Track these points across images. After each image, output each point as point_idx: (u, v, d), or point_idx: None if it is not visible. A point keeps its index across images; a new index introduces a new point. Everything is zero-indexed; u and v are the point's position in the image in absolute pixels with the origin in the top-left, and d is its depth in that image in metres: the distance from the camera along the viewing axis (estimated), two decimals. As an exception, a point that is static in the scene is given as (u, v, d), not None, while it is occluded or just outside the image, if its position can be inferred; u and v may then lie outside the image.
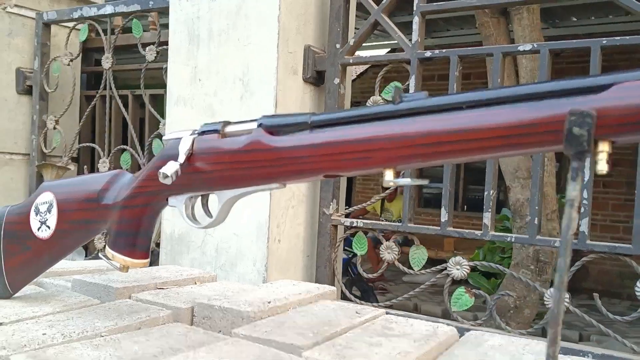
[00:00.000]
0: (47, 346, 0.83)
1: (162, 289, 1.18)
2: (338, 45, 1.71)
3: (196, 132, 0.80)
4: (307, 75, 1.74)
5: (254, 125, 0.74)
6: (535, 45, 1.44)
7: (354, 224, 1.67)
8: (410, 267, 1.61)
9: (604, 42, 1.36)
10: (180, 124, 1.82)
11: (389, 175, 0.63)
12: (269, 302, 1.04)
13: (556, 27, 5.93)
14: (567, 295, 1.40)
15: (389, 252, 1.63)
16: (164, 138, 0.87)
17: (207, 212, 0.85)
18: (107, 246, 0.90)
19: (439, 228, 1.54)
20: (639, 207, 1.31)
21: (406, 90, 1.61)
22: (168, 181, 0.78)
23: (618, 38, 1.35)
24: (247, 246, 1.66)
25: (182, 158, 0.79)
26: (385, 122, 0.61)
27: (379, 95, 1.69)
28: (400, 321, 1.04)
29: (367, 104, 1.71)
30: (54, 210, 0.96)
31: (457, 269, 1.53)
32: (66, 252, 0.98)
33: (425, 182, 0.64)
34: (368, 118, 0.64)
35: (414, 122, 0.59)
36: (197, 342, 0.88)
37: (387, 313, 1.11)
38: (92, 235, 0.95)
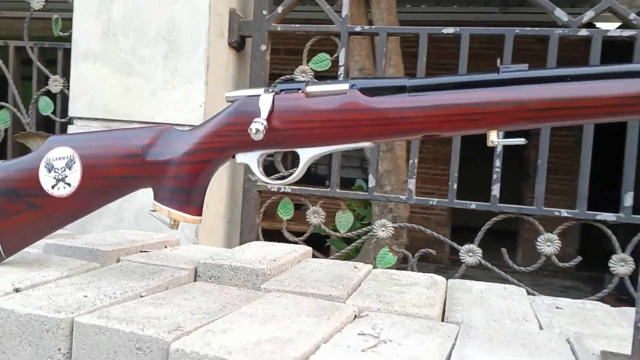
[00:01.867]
0: (102, 307, 0.79)
1: (146, 252, 1.14)
2: (265, 12, 1.73)
3: (271, 90, 0.81)
4: (232, 39, 1.73)
5: (345, 86, 0.78)
6: (458, 30, 1.61)
7: (281, 190, 1.72)
8: (336, 230, 1.71)
9: (517, 31, 1.57)
10: (91, 80, 1.70)
11: (493, 136, 0.72)
12: (274, 260, 1.08)
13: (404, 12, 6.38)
14: (480, 251, 1.62)
15: (315, 216, 1.72)
16: (228, 94, 0.85)
17: (282, 169, 0.86)
18: (158, 202, 0.86)
19: (367, 193, 1.66)
20: (542, 175, 1.56)
21: (335, 61, 1.69)
22: (259, 136, 0.78)
23: (528, 29, 1.57)
24: (173, 211, 1.62)
25: (264, 114, 0.79)
26: (496, 88, 0.70)
27: (307, 65, 1.75)
28: (393, 273, 1.14)
29: (295, 72, 1.76)
30: (77, 166, 0.88)
31: (383, 231, 1.67)
32: (89, 211, 0.91)
33: (524, 141, 0.74)
34: (470, 84, 0.72)
35: (523, 89, 0.69)
36: (244, 297, 0.90)
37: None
38: (127, 193, 0.90)
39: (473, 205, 1.61)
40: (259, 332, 0.72)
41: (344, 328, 0.78)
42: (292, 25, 1.74)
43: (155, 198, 0.87)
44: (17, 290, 0.84)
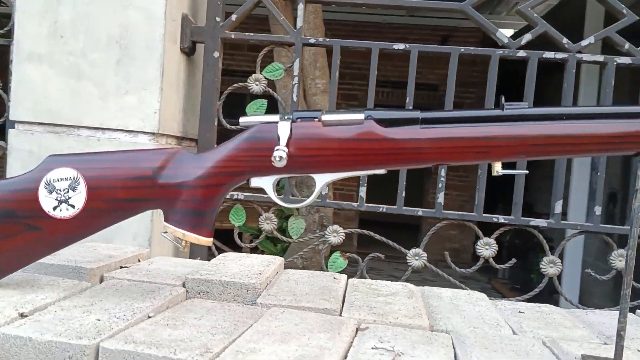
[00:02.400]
0: (120, 330, 0.79)
1: (126, 267, 1.13)
2: (218, 19, 1.73)
3: (287, 117, 0.84)
4: (184, 45, 1.73)
5: (361, 116, 0.83)
6: (408, 46, 1.70)
7: (234, 197, 1.73)
8: (289, 236, 1.76)
9: (462, 50, 1.69)
10: (35, 84, 1.64)
11: (498, 167, 0.80)
12: (260, 274, 1.11)
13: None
14: (425, 255, 1.73)
15: (267, 222, 1.75)
16: (242, 120, 0.87)
17: (295, 193, 0.89)
18: (171, 225, 0.87)
19: (320, 200, 1.71)
20: (482, 184, 1.68)
21: (289, 70, 1.74)
22: (282, 163, 0.81)
23: (472, 48, 1.69)
24: (126, 220, 1.60)
25: (284, 142, 0.82)
26: (500, 123, 0.78)
27: (260, 74, 1.77)
28: (371, 283, 1.21)
29: (249, 81, 1.78)
30: (81, 187, 0.87)
31: (334, 236, 1.73)
32: (91, 233, 0.90)
33: (525, 172, 0.83)
34: (477, 119, 0.80)
35: (525, 126, 0.78)
36: (248, 314, 0.93)
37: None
38: (133, 215, 0.90)
39: (420, 212, 1.71)
40: (284, 350, 0.76)
41: (354, 342, 0.84)
42: (246, 34, 1.76)
43: (167, 220, 0.88)
44: (22, 315, 0.82)
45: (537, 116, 0.78)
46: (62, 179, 0.88)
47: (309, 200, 0.89)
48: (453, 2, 1.70)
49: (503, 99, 0.79)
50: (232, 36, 1.74)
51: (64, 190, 0.87)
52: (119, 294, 0.95)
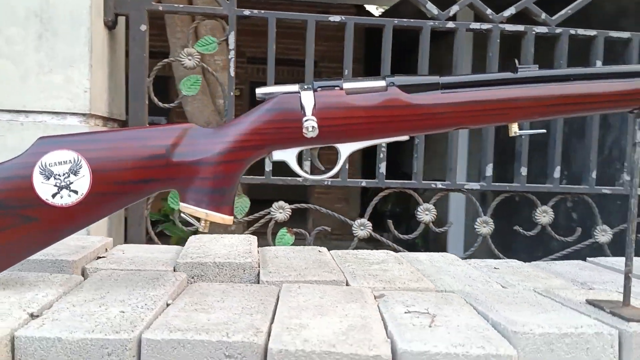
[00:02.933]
0: (154, 320, 0.74)
1: (103, 257, 1.05)
2: (144, -10, 1.63)
3: (307, 87, 0.82)
4: (107, 18, 1.61)
5: (383, 83, 0.82)
6: (344, 18, 1.71)
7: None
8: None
9: (396, 22, 1.72)
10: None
11: (515, 127, 0.83)
12: (250, 252, 1.08)
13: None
14: (370, 224, 1.77)
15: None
16: (259, 91, 0.82)
17: (318, 164, 0.86)
18: (191, 205, 0.80)
19: (264, 177, 1.69)
20: (420, 152, 1.74)
21: (224, 42, 1.68)
22: (314, 133, 0.78)
23: (405, 20, 1.74)
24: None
25: (309, 112, 0.79)
26: (516, 86, 0.81)
27: (193, 48, 1.70)
28: (355, 253, 1.21)
29: (181, 54, 1.69)
30: (84, 171, 0.78)
31: (280, 213, 1.72)
32: (96, 220, 0.81)
33: (543, 131, 0.87)
34: (493, 82, 0.82)
35: (539, 87, 0.82)
36: (267, 292, 0.90)
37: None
38: (143, 197, 0.82)
39: (363, 182, 1.75)
40: (330, 323, 0.76)
41: (382, 309, 0.84)
42: (175, 5, 1.67)
43: (184, 200, 0.82)
44: (32, 315, 0.74)
45: (548, 77, 0.83)
46: (60, 163, 0.79)
47: (333, 172, 0.87)
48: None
49: (517, 62, 0.83)
50: (160, 8, 1.64)
51: (64, 174, 0.79)
52: (121, 284, 0.88)
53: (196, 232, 3.42)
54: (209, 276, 1.00)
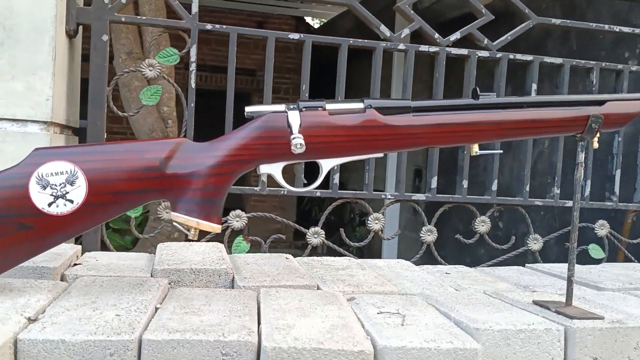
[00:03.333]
0: (148, 322, 0.79)
1: (79, 264, 1.08)
2: (107, 0, 1.66)
3: (293, 107, 0.88)
4: (69, 28, 1.63)
5: (361, 105, 0.90)
6: (302, 36, 1.79)
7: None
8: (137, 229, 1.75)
9: (351, 41, 1.82)
10: None
11: (476, 148, 0.93)
12: (223, 259, 1.13)
13: None
14: (323, 232, 1.85)
15: (167, 211, 1.73)
16: (249, 109, 0.88)
17: (302, 178, 0.93)
18: (183, 215, 0.85)
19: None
20: (371, 165, 1.84)
21: (187, 55, 1.73)
22: (302, 150, 0.85)
23: (360, 40, 1.84)
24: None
25: (296, 130, 0.86)
26: (477, 111, 0.91)
27: (154, 59, 1.73)
28: (320, 260, 1.29)
29: (142, 66, 1.72)
30: (81, 181, 0.82)
31: (237, 221, 1.78)
32: (89, 228, 0.85)
33: (500, 151, 0.97)
34: (457, 107, 0.92)
35: (497, 113, 0.92)
36: (247, 296, 0.96)
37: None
38: (138, 206, 0.87)
39: (318, 193, 1.83)
40: (314, 323, 0.83)
41: (355, 311, 0.92)
42: (138, 17, 1.70)
43: (176, 210, 0.87)
44: (30, 319, 0.77)
45: (505, 104, 0.94)
46: (56, 173, 0.82)
47: (315, 185, 0.95)
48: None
49: (478, 89, 0.93)
50: (122, 19, 1.67)
51: (60, 184, 0.82)
52: (108, 289, 0.92)
53: (135, 241, 3.38)
54: (186, 282, 1.05)
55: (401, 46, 1.83)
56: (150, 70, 1.72)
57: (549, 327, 0.88)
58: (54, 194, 0.82)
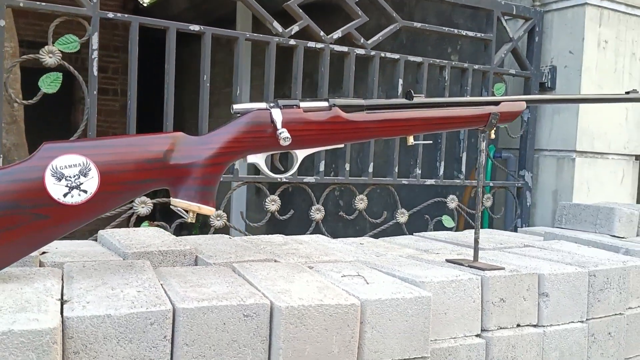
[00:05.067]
0: (169, 295, 0.90)
1: (47, 252, 1.11)
2: (4, -16, 1.62)
3: (273, 106, 1.02)
4: (-37, 11, 1.57)
5: (325, 104, 1.07)
6: (202, 28, 1.89)
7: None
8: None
9: (248, 35, 1.96)
10: None
11: (411, 139, 1.15)
12: (181, 241, 1.24)
13: None
14: (225, 215, 1.98)
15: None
16: (236, 107, 1.00)
17: (280, 166, 1.05)
18: (185, 200, 0.95)
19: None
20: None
21: (86, 43, 1.74)
22: (288, 142, 0.99)
23: (255, 34, 1.98)
24: None
25: (279, 125, 1.00)
26: (413, 109, 1.13)
27: (53, 45, 1.72)
28: (256, 238, 1.43)
29: (41, 53, 1.70)
30: (93, 173, 0.89)
31: (142, 207, 1.84)
32: (101, 215, 0.91)
33: (430, 142, 1.19)
34: (397, 106, 1.13)
35: (427, 111, 1.15)
36: (225, 272, 1.09)
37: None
38: (142, 194, 0.95)
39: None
40: (301, 287, 0.99)
41: (322, 276, 1.11)
42: (37, 2, 1.67)
43: (177, 196, 0.97)
44: (64, 301, 0.84)
45: (431, 104, 1.17)
46: (70, 166, 0.88)
47: (291, 171, 1.10)
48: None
49: (412, 92, 1.15)
50: (21, 4, 1.64)
51: (75, 176, 0.89)
52: (104, 272, 0.99)
53: None
54: (155, 263, 1.15)
55: (292, 42, 2.00)
56: (50, 58, 1.70)
57: (471, 277, 1.14)
58: (69, 185, 0.89)
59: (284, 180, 2.03)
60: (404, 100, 1.15)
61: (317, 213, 2.12)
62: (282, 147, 1.05)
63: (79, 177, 0.89)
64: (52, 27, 1.72)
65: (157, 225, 1.89)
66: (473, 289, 1.13)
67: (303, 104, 1.07)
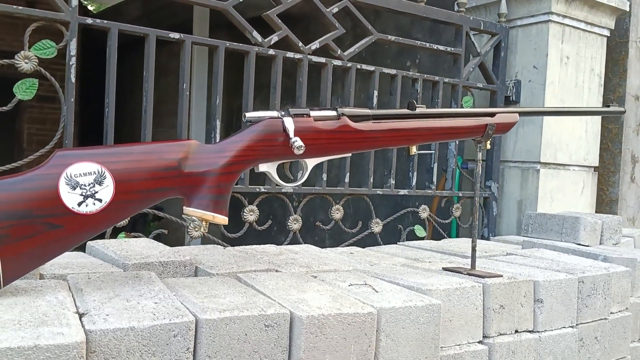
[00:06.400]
0: (188, 306, 0.88)
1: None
2: (-21, -14, 1.56)
3: (284, 114, 1.01)
4: (-64, 12, 1.51)
5: (334, 112, 1.06)
6: (182, 36, 1.87)
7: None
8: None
9: (227, 44, 1.95)
10: None
11: (414, 149, 1.16)
12: (178, 252, 1.21)
13: None
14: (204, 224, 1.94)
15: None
16: (248, 115, 0.98)
17: (290, 175, 1.04)
18: (198, 209, 0.92)
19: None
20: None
21: (63, 49, 1.68)
22: (302, 151, 0.98)
23: (235, 44, 1.97)
24: None
25: (292, 134, 0.99)
26: (416, 120, 1.14)
27: (29, 51, 1.66)
28: (248, 249, 1.41)
29: (17, 58, 1.64)
30: (108, 181, 0.85)
31: (121, 217, 1.79)
32: (115, 224, 0.89)
33: (432, 151, 1.20)
34: (401, 116, 1.14)
35: (430, 121, 1.16)
36: (230, 282, 1.07)
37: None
38: (154, 203, 0.91)
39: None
40: (315, 296, 0.99)
41: (330, 286, 1.11)
42: (13, 6, 1.61)
43: (191, 205, 0.95)
44: (82, 314, 0.81)
45: (433, 114, 1.19)
46: (85, 174, 0.85)
47: (302, 180, 1.09)
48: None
49: (415, 102, 1.17)
50: (-8, 8, 1.58)
51: (90, 185, 0.85)
52: (113, 284, 0.95)
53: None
54: (156, 274, 1.12)
55: (271, 51, 2.00)
56: (26, 63, 1.65)
57: (473, 285, 1.16)
58: (84, 193, 0.85)
59: (262, 190, 2.02)
60: (407, 111, 1.16)
61: (294, 223, 2.11)
62: (294, 156, 1.04)
63: (94, 186, 0.86)
64: (28, 32, 1.67)
65: (134, 236, 1.84)
66: (475, 296, 1.15)
67: (313, 113, 1.07)
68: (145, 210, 1.68)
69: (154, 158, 0.92)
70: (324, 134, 1.06)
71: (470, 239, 1.28)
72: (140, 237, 1.84)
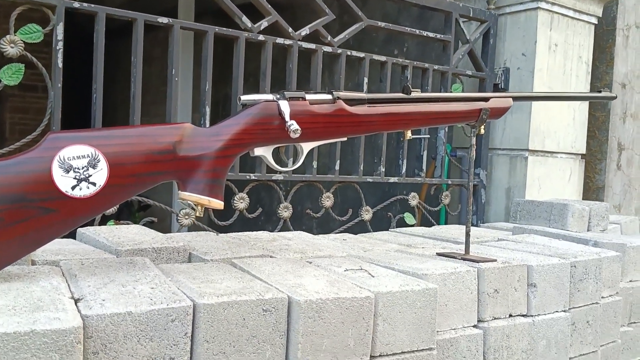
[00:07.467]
0: (187, 291, 0.87)
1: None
2: (-38, -32, 1.53)
3: (279, 97, 1.00)
4: None
5: (329, 96, 1.05)
6: (170, 21, 1.84)
7: None
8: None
9: (217, 29, 1.93)
10: None
11: (409, 133, 1.16)
12: (171, 239, 1.20)
13: None
14: (194, 213, 1.93)
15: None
16: (243, 98, 0.96)
17: (285, 159, 1.02)
18: (194, 193, 0.91)
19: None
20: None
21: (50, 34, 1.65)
22: (298, 134, 0.96)
23: (224, 29, 1.95)
24: None
25: (288, 117, 0.98)
26: (412, 104, 1.14)
27: (15, 35, 1.63)
28: (245, 235, 1.40)
29: (2, 43, 1.60)
30: (102, 164, 0.84)
31: (110, 204, 1.77)
32: (109, 208, 0.87)
33: (427, 136, 1.20)
34: (396, 100, 1.13)
35: (425, 105, 1.15)
36: (225, 268, 1.06)
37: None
38: (149, 187, 0.89)
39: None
40: (312, 281, 0.98)
41: (326, 271, 1.10)
42: (-3, -10, 1.58)
43: (187, 189, 0.93)
44: (77, 300, 0.80)
45: (428, 99, 1.18)
46: (78, 157, 0.83)
47: (298, 164, 1.08)
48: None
49: (410, 86, 1.16)
50: (-21, -9, 1.54)
51: (83, 168, 0.84)
52: (108, 270, 0.94)
53: None
54: (149, 259, 1.10)
55: (261, 37, 1.98)
56: (12, 48, 1.61)
57: (468, 269, 1.16)
58: (77, 177, 0.84)
59: (252, 178, 2.01)
60: (403, 95, 1.15)
61: (285, 211, 2.10)
62: (290, 140, 1.03)
63: (88, 169, 0.84)
64: (13, 16, 1.63)
65: (123, 224, 1.82)
66: (470, 281, 1.15)
67: (308, 97, 1.05)
68: (132, 199, 1.65)
69: (149, 141, 0.90)
70: (320, 118, 1.05)
71: (461, 225, 1.28)
72: (130, 224, 1.82)
